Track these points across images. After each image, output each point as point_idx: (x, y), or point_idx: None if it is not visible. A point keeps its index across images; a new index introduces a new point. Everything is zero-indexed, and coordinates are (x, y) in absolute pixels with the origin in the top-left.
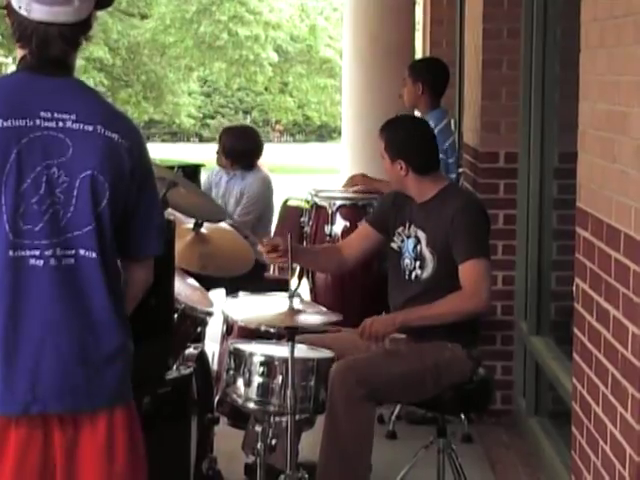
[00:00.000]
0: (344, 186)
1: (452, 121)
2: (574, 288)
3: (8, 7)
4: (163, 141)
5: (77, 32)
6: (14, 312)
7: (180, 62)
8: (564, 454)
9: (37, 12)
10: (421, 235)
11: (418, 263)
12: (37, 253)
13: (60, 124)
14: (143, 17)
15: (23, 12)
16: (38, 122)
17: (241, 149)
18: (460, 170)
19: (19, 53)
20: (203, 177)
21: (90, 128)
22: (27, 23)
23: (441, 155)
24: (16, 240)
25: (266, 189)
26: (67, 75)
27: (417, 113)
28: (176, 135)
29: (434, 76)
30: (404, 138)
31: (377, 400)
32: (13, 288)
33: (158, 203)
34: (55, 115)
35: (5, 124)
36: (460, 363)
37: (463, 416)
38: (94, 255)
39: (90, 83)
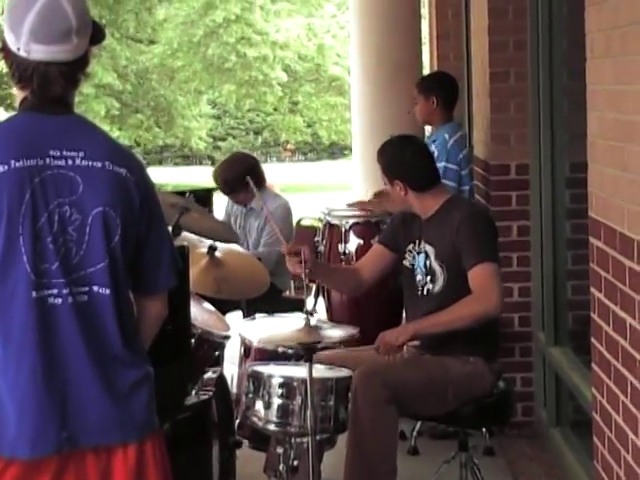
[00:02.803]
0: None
1: (465, 134)
2: (590, 298)
3: (4, 49)
4: (175, 165)
5: (76, 69)
6: (43, 353)
7: (189, 86)
8: (587, 464)
9: (36, 52)
10: (429, 249)
11: (429, 278)
12: (55, 292)
13: (70, 162)
14: (151, 42)
15: (22, 53)
16: (48, 161)
17: (233, 176)
18: (474, 182)
19: (19, 95)
20: (219, 202)
21: (99, 165)
22: (27, 64)
23: (455, 167)
24: (37, 280)
25: (288, 216)
26: (69, 113)
27: (428, 129)
28: (188, 158)
29: (446, 89)
30: (395, 159)
31: (399, 406)
32: (40, 328)
33: (167, 237)
34: (64, 153)
35: (17, 164)
36: (481, 377)
37: (484, 429)
38: (107, 291)
39: (102, 109)
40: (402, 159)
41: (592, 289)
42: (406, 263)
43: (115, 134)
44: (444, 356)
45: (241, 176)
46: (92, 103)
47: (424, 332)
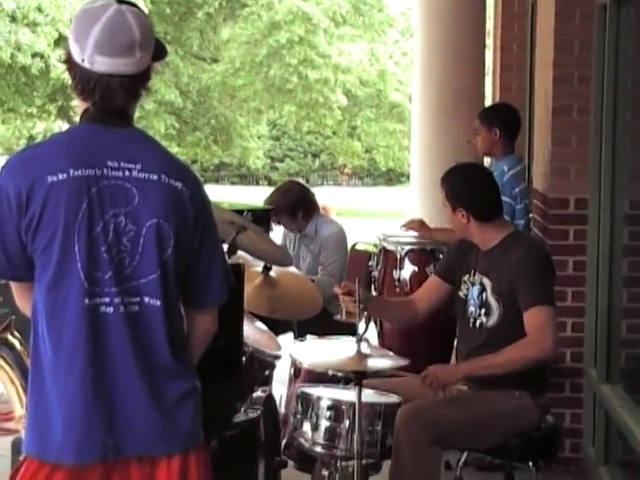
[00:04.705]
0: (403, 225)
1: (525, 167)
2: None
3: (69, 61)
4: (232, 184)
5: (138, 83)
6: (93, 360)
7: (249, 105)
8: None
9: (100, 64)
10: (486, 282)
11: (483, 310)
12: (107, 300)
13: (126, 173)
14: (213, 61)
15: (86, 65)
16: (106, 171)
17: (280, 209)
18: (530, 215)
19: (81, 105)
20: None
21: (155, 177)
22: (89, 75)
23: (509, 200)
24: (90, 288)
25: (342, 242)
26: (128, 125)
27: (488, 160)
28: (245, 178)
29: (508, 121)
30: (463, 186)
31: (443, 445)
32: (90, 336)
33: (220, 252)
34: (121, 164)
35: (76, 173)
36: (528, 411)
37: (531, 463)
38: (158, 303)
39: (162, 126)
40: (469, 187)
41: None
42: (460, 294)
43: (173, 150)
44: (489, 390)
45: (288, 208)
46: (152, 120)
47: (476, 374)
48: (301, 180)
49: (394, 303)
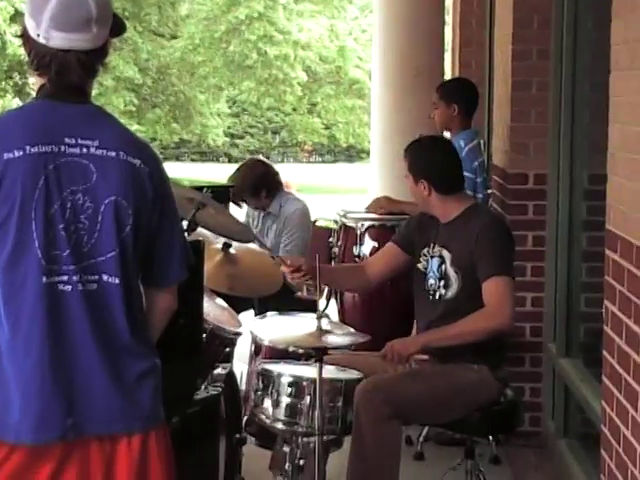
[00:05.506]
0: (368, 208)
1: (482, 142)
2: (603, 310)
3: (24, 36)
4: (192, 161)
5: (94, 59)
6: (50, 339)
7: (209, 81)
8: (593, 477)
9: (56, 39)
10: (446, 254)
11: (443, 282)
12: (65, 279)
13: (84, 150)
14: (172, 37)
15: (41, 40)
16: (63, 148)
17: (241, 188)
18: (489, 191)
19: (37, 81)
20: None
21: (113, 154)
22: (45, 51)
23: (470, 174)
24: (48, 266)
25: (305, 219)
26: (85, 102)
27: (447, 134)
28: (205, 155)
29: (467, 96)
30: (426, 158)
31: (403, 419)
32: (48, 315)
33: (180, 230)
34: (79, 141)
35: (32, 150)
36: (487, 385)
37: (491, 438)
38: (117, 281)
39: (121, 103)
40: (432, 159)
41: (606, 302)
42: (419, 267)
43: (133, 128)
44: (448, 364)
45: (251, 186)
46: (112, 96)
47: (434, 344)
48: (264, 158)
49: (343, 269)
